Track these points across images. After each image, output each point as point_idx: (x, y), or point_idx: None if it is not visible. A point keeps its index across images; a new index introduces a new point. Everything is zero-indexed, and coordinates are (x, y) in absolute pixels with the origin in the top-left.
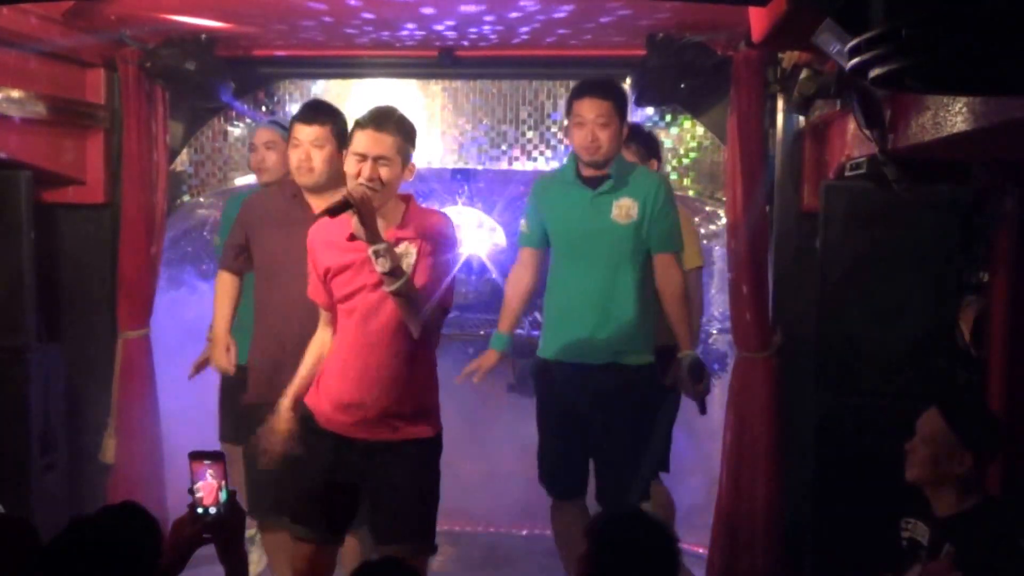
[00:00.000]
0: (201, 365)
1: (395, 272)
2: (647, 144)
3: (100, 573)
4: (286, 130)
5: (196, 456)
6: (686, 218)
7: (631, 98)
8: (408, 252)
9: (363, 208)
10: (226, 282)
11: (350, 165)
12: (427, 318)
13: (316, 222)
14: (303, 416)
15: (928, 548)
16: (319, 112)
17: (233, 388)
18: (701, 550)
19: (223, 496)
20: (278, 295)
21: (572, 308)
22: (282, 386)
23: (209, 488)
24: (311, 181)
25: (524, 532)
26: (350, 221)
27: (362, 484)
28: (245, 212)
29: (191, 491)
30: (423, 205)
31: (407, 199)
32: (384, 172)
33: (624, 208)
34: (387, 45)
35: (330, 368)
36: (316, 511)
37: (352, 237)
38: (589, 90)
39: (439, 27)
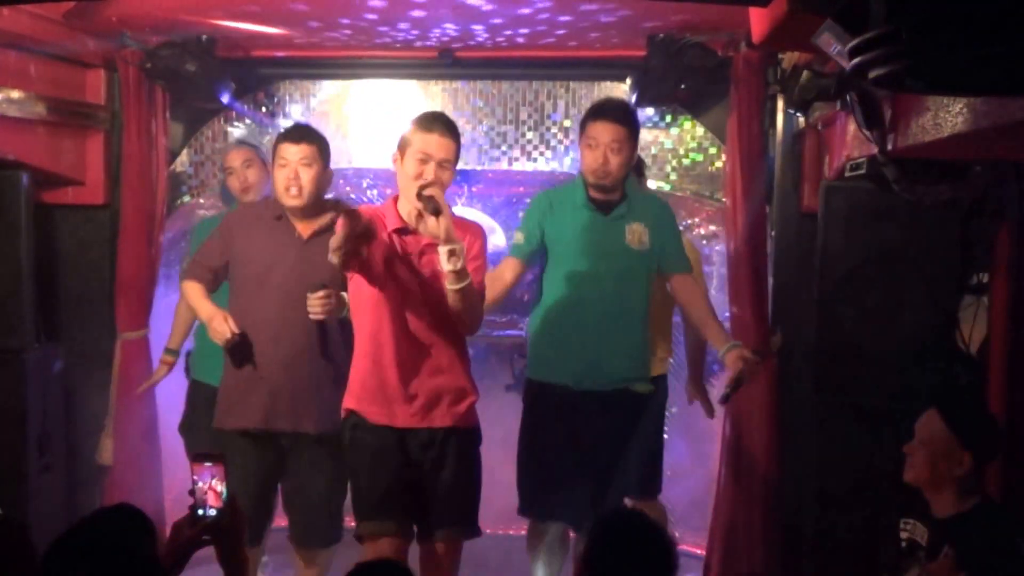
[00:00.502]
0: (153, 384)
1: (463, 272)
2: (637, 167)
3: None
4: (256, 148)
5: (197, 457)
6: (690, 244)
7: (631, 98)
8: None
9: (443, 207)
10: (196, 286)
11: (412, 165)
12: (477, 313)
13: (383, 210)
14: (354, 423)
15: (927, 549)
16: (307, 132)
17: (200, 410)
18: (699, 551)
19: (223, 498)
20: (257, 315)
21: (580, 332)
22: (256, 409)
23: (210, 490)
24: (299, 202)
25: (523, 533)
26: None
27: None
28: (229, 226)
29: (191, 492)
30: None
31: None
32: (445, 176)
33: (637, 234)
34: (387, 46)
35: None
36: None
37: (401, 231)
38: (605, 113)
39: (437, 29)
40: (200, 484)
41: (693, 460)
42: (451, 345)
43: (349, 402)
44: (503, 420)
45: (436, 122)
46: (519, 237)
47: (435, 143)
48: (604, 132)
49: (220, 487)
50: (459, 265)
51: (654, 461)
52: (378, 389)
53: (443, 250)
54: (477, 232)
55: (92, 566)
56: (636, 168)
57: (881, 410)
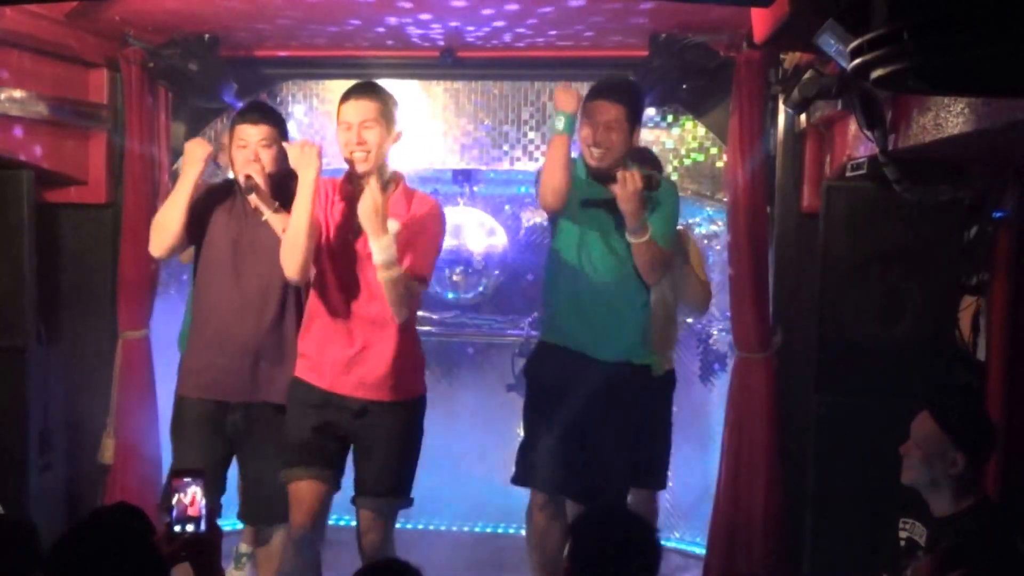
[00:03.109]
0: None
1: (390, 263)
2: (652, 163)
3: (94, 574)
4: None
5: (176, 474)
6: (692, 242)
7: None
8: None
9: (257, 185)
10: None
11: (339, 137)
12: (408, 297)
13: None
14: (294, 382)
15: (926, 548)
16: (266, 112)
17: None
18: (699, 550)
19: (202, 514)
20: (220, 289)
21: (581, 302)
22: (213, 382)
23: (187, 506)
24: (258, 183)
25: (521, 532)
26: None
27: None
28: (210, 194)
29: (168, 508)
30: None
31: (397, 179)
32: (370, 135)
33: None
34: (389, 46)
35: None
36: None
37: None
38: (600, 92)
39: (438, 26)
40: (178, 500)
41: (693, 459)
42: (391, 316)
43: (297, 364)
44: (502, 420)
45: (351, 90)
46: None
47: (351, 109)
48: (597, 111)
49: (199, 503)
50: (383, 258)
51: (658, 453)
52: (317, 351)
53: (372, 242)
54: (429, 212)
55: (93, 565)
56: (652, 164)
57: (881, 410)
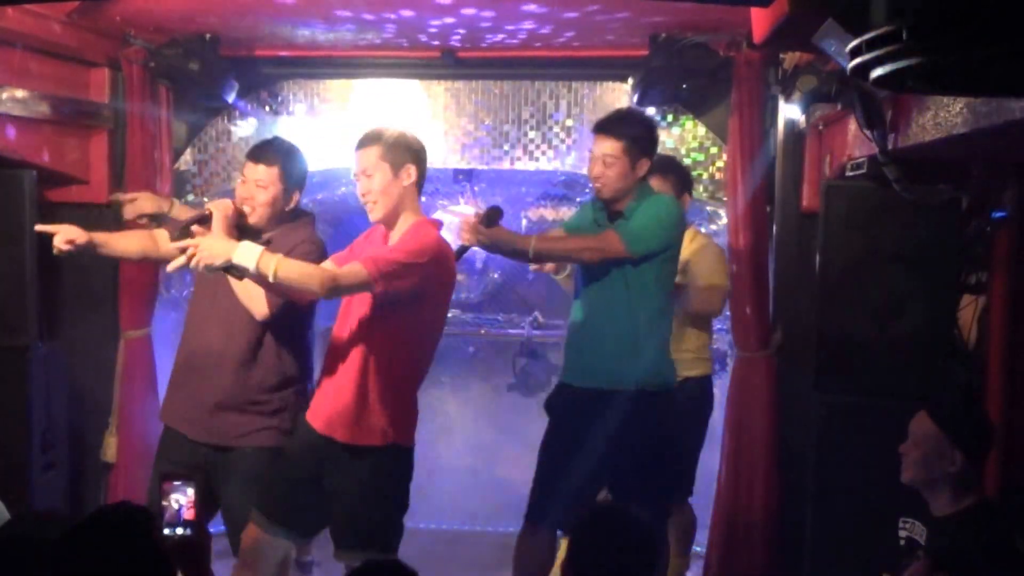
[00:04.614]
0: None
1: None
2: (683, 178)
3: (98, 573)
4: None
5: (167, 477)
6: (713, 247)
7: (633, 98)
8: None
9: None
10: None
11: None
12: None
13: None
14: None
15: (926, 548)
16: (266, 151)
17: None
18: (699, 548)
19: (191, 518)
20: (201, 324)
21: (594, 337)
22: (185, 405)
23: (178, 510)
24: (252, 220)
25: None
26: None
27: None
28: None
29: (159, 512)
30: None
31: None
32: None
33: None
34: (390, 46)
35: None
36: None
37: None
38: (600, 127)
39: (437, 23)
40: (168, 504)
41: None
42: (373, 358)
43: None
44: (501, 419)
45: (362, 138)
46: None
47: (354, 162)
48: (597, 145)
49: (189, 508)
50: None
51: (678, 466)
52: (319, 386)
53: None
54: (414, 233)
55: (96, 564)
56: (684, 181)
57: (881, 409)
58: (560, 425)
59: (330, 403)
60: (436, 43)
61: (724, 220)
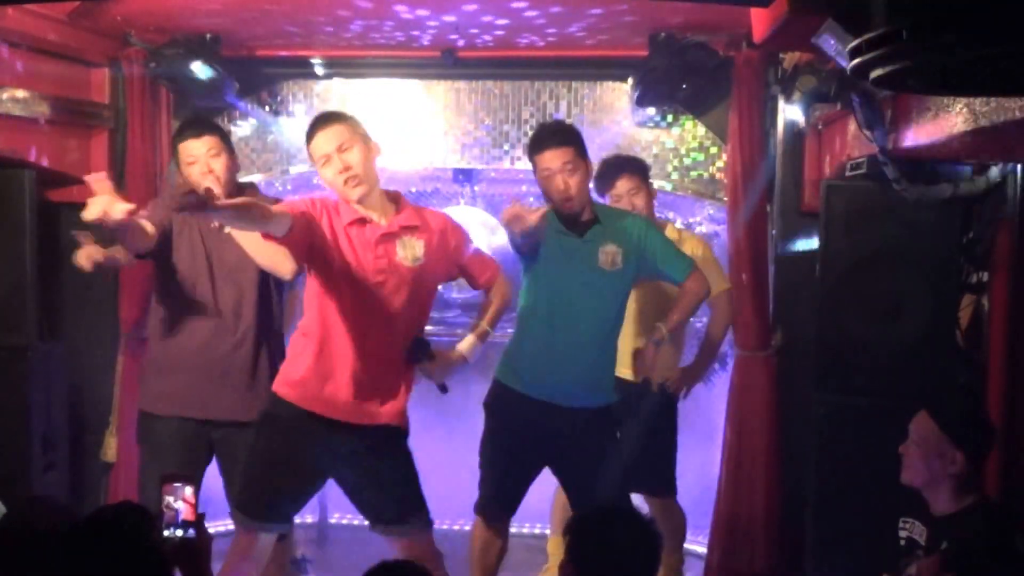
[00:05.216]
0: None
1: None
2: (646, 171)
3: (98, 572)
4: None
5: (168, 478)
6: (705, 246)
7: (633, 98)
8: None
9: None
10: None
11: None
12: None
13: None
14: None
15: (926, 547)
16: (204, 123)
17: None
18: (700, 548)
19: (191, 519)
20: (191, 302)
21: (552, 350)
22: (168, 398)
23: (178, 511)
24: (219, 192)
25: (524, 530)
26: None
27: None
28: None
29: (160, 512)
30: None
31: (397, 197)
32: (352, 158)
33: (610, 255)
34: (390, 46)
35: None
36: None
37: (359, 222)
38: (548, 140)
39: (435, 23)
40: (169, 505)
41: (693, 459)
42: (398, 340)
43: (284, 387)
44: None
45: (313, 124)
46: None
47: (322, 140)
48: (553, 158)
49: (190, 508)
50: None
51: (659, 461)
52: (320, 377)
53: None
54: (451, 225)
55: (96, 564)
56: (642, 171)
57: (881, 409)
58: (504, 431)
59: (376, 393)
60: (436, 43)
61: (705, 212)
